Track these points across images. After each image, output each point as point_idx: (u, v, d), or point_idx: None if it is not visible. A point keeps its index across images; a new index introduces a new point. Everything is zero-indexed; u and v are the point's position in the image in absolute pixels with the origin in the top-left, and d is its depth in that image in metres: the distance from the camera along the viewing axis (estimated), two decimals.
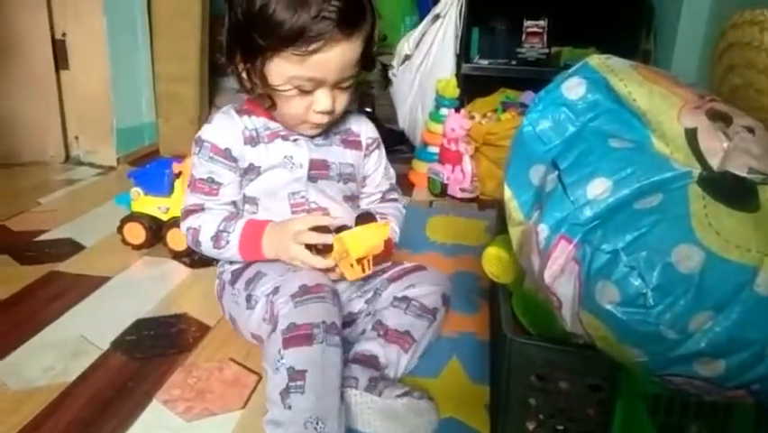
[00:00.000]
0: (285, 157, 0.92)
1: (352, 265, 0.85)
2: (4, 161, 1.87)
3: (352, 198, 1.00)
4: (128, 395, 0.85)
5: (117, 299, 1.13)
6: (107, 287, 1.17)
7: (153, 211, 1.31)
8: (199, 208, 0.92)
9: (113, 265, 1.24)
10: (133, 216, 1.32)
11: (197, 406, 0.83)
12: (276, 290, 0.80)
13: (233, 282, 0.94)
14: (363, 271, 0.86)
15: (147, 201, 1.31)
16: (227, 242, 0.89)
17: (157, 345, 0.97)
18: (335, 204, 0.96)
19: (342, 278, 0.89)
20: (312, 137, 0.94)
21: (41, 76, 1.85)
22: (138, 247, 1.32)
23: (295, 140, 0.93)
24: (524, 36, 2.25)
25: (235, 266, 0.95)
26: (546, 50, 2.23)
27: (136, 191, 1.32)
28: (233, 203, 0.94)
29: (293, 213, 0.93)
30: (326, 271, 0.88)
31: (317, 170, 0.94)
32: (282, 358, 0.73)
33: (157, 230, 1.31)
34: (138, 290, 1.16)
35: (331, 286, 0.81)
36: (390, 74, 2.16)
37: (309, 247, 0.87)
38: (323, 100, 0.85)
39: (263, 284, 0.87)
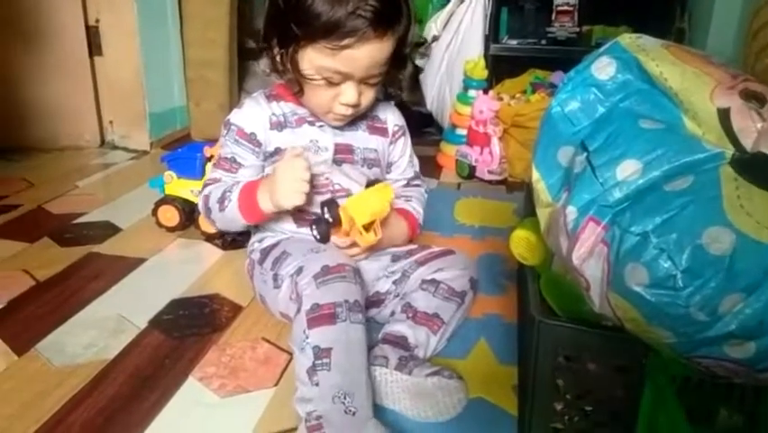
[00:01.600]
0: (311, 141, 0.94)
1: (361, 233, 0.86)
2: (42, 145, 1.92)
3: (375, 183, 1.01)
4: (165, 372, 0.88)
5: (153, 279, 1.16)
6: (143, 268, 1.20)
7: (186, 194, 1.34)
8: (216, 181, 0.96)
9: (148, 247, 1.28)
10: (167, 200, 1.35)
11: (231, 383, 0.86)
12: (299, 271, 0.82)
13: (261, 262, 0.96)
14: (377, 235, 0.87)
15: (180, 184, 1.34)
16: (229, 201, 0.92)
17: (192, 325, 1.00)
18: (358, 186, 0.98)
19: (357, 250, 0.92)
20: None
21: (76, 62, 1.89)
22: (172, 229, 1.35)
23: (321, 125, 0.95)
24: (554, 15, 2.20)
25: (264, 244, 0.97)
26: (577, 29, 2.18)
27: (169, 175, 1.35)
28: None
29: (316, 194, 0.94)
30: (347, 249, 0.91)
31: (342, 154, 0.96)
32: (307, 338, 0.75)
33: (190, 213, 1.34)
34: (172, 271, 1.19)
35: (353, 265, 0.82)
36: (421, 63, 2.14)
37: (319, 221, 0.89)
38: (348, 93, 0.87)
39: (288, 264, 0.89)
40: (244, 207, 0.91)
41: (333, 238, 0.91)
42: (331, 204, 0.89)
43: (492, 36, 2.11)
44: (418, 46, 0.95)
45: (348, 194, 0.96)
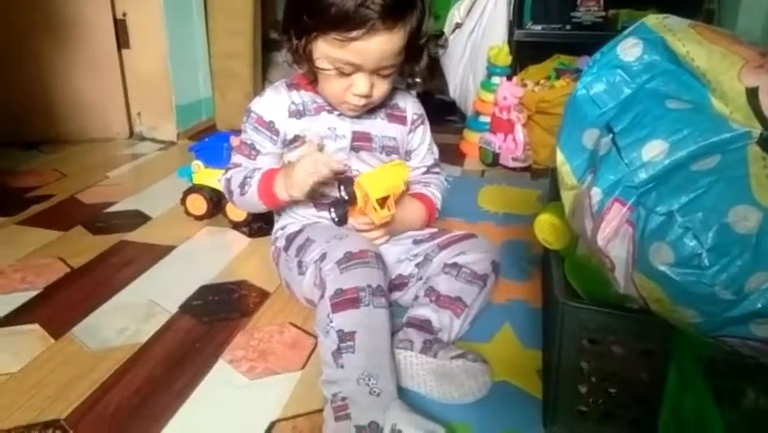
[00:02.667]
0: (329, 128, 0.96)
1: (375, 209, 0.87)
2: (72, 137, 1.97)
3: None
4: (196, 355, 0.90)
5: (182, 266, 1.19)
6: (173, 255, 1.23)
7: (213, 183, 1.36)
8: (236, 166, 0.99)
9: (177, 235, 1.31)
10: (195, 189, 1.37)
11: (260, 366, 0.88)
12: (323, 257, 0.84)
13: (286, 249, 0.98)
14: (390, 211, 0.88)
15: (207, 174, 1.37)
16: (249, 186, 0.96)
17: (221, 310, 1.03)
18: None
19: (377, 233, 0.94)
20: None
21: (105, 55, 1.93)
22: (200, 218, 1.38)
23: (339, 114, 0.97)
24: None
25: (288, 231, 1.00)
26: (603, 13, 2.15)
27: (197, 164, 1.37)
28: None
29: (335, 179, 0.96)
30: (367, 233, 0.93)
31: (360, 142, 0.97)
32: (332, 322, 0.77)
33: (217, 201, 1.36)
34: (201, 258, 1.22)
35: (375, 251, 0.84)
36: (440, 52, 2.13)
37: (337, 203, 0.91)
38: (360, 84, 0.88)
39: (312, 251, 0.91)
40: (263, 193, 0.95)
41: (351, 221, 0.93)
42: (346, 181, 0.90)
43: (516, 22, 2.09)
44: (436, 38, 0.96)
45: None
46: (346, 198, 0.91)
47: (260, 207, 0.99)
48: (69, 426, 0.76)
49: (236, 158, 1.00)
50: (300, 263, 0.93)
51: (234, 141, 1.33)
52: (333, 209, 0.93)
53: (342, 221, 0.93)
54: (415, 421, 0.70)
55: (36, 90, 1.90)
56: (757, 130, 0.53)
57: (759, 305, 0.49)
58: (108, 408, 0.79)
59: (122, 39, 1.93)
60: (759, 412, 0.65)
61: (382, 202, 0.89)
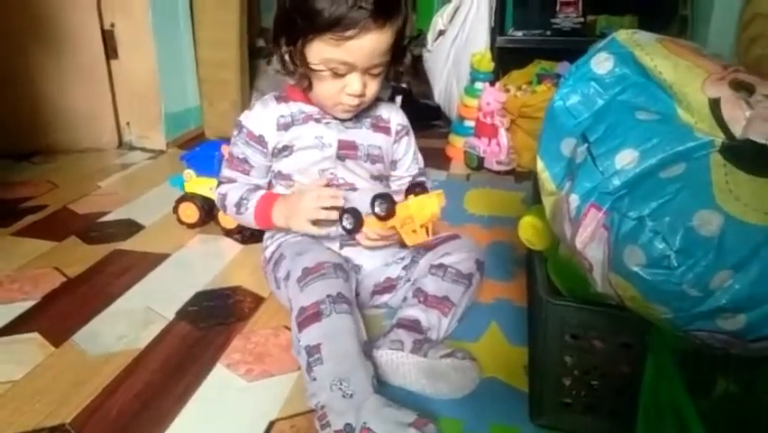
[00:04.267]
0: (316, 137, 1.00)
1: (414, 231, 0.91)
2: (63, 148, 1.98)
3: (380, 178, 1.06)
4: (194, 360, 0.93)
5: (177, 273, 1.22)
6: (167, 263, 1.26)
7: (205, 192, 1.39)
8: (231, 181, 1.03)
9: (170, 243, 1.33)
10: (187, 197, 1.40)
11: (257, 368, 0.91)
12: (287, 276, 0.89)
13: (267, 262, 1.03)
14: (427, 235, 0.92)
15: (199, 182, 1.39)
16: (246, 208, 1.00)
17: (217, 315, 1.06)
18: (362, 180, 1.02)
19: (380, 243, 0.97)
20: (343, 120, 1.01)
21: (93, 66, 1.94)
22: (192, 226, 1.40)
23: (327, 123, 1.00)
24: (558, 6, 2.23)
25: (269, 250, 1.04)
26: (581, 20, 2.21)
27: (189, 173, 1.40)
28: (257, 186, 1.04)
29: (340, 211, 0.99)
30: (370, 242, 0.96)
31: (345, 150, 1.01)
32: (300, 341, 0.81)
33: (209, 209, 1.39)
34: (195, 266, 1.25)
35: (333, 261, 0.87)
36: (424, 51, 2.18)
37: (353, 212, 0.95)
38: (353, 83, 0.92)
39: (282, 268, 0.95)
40: (260, 217, 1.00)
41: (366, 229, 0.96)
42: (386, 198, 0.93)
43: (498, 28, 2.14)
44: (415, 38, 1.01)
45: (352, 188, 1.01)
46: (349, 228, 0.95)
47: (256, 228, 1.04)
48: (74, 430, 0.79)
49: (230, 173, 1.03)
50: (276, 279, 0.98)
51: (225, 149, 1.35)
52: (345, 216, 0.96)
53: (354, 231, 0.96)
54: (384, 415, 0.72)
55: (25, 101, 1.92)
56: (719, 139, 0.57)
57: (723, 301, 0.53)
58: (111, 412, 0.82)
59: (110, 49, 1.95)
60: (729, 398, 0.69)
61: (421, 225, 0.93)
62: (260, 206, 0.99)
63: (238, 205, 1.01)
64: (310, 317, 0.81)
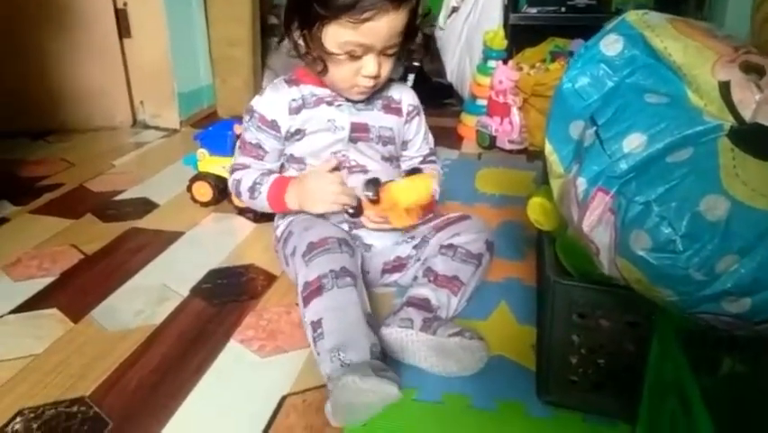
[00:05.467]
0: (328, 120, 1.01)
1: (400, 216, 0.92)
2: (77, 126, 2.00)
3: (390, 159, 1.07)
4: (209, 336, 0.96)
5: (191, 251, 1.24)
6: (182, 241, 1.28)
7: (218, 171, 1.41)
8: (245, 167, 1.04)
9: (185, 221, 1.36)
10: (200, 176, 1.42)
11: (270, 344, 0.93)
12: (293, 252, 0.91)
13: (278, 240, 1.05)
14: (412, 219, 0.93)
15: (212, 161, 1.41)
16: (259, 192, 1.01)
17: (230, 292, 1.08)
18: (374, 162, 1.03)
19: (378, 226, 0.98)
20: (355, 102, 1.01)
21: (107, 45, 1.95)
22: (206, 204, 1.42)
23: (338, 105, 1.01)
24: None
25: (279, 229, 1.05)
26: None
27: (202, 152, 1.41)
28: (271, 171, 1.04)
29: (335, 170, 1.01)
30: (359, 219, 0.98)
31: (358, 133, 1.02)
32: (305, 317, 0.84)
33: (223, 188, 1.40)
34: (209, 244, 1.27)
35: (338, 236, 0.89)
36: (437, 29, 2.17)
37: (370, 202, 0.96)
38: (369, 65, 0.92)
39: (290, 244, 0.96)
40: (273, 201, 1.01)
41: (367, 212, 0.97)
42: (375, 182, 0.95)
43: (512, 5, 2.12)
44: (425, 16, 1.01)
45: (363, 170, 1.02)
46: (374, 198, 0.95)
47: (269, 210, 1.04)
48: (94, 402, 0.81)
49: (244, 159, 1.04)
50: (285, 256, 1.00)
51: (238, 129, 1.37)
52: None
53: (357, 214, 0.98)
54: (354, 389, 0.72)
55: (40, 81, 1.94)
56: (728, 123, 0.57)
57: (729, 285, 0.54)
58: (129, 385, 0.85)
59: (123, 28, 1.96)
60: (735, 377, 0.70)
61: (408, 209, 0.94)
62: (274, 189, 1.00)
63: (252, 189, 1.02)
64: (313, 292, 0.83)
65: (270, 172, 1.04)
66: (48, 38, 1.90)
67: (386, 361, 0.82)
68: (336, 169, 0.99)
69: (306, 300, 0.84)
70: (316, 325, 0.82)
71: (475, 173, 1.63)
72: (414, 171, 1.06)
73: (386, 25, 0.88)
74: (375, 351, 0.80)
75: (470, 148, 1.88)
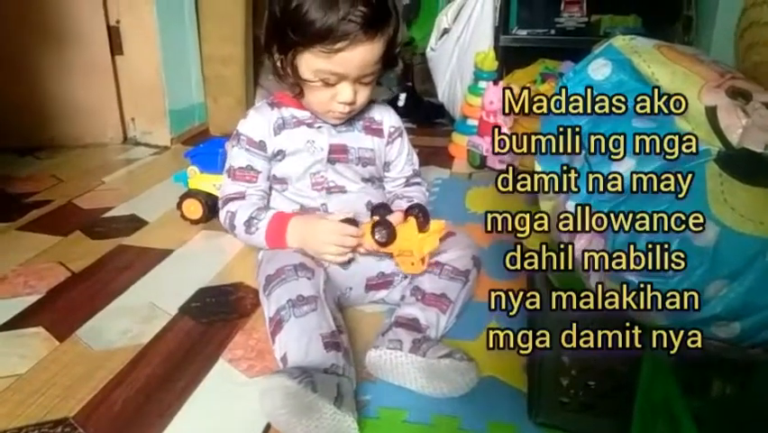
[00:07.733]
0: (307, 141, 1.02)
1: (412, 264, 0.95)
2: (67, 143, 1.99)
3: (371, 180, 1.07)
4: (196, 355, 0.94)
5: (180, 269, 1.23)
6: (170, 259, 1.27)
7: (209, 188, 1.40)
8: (239, 196, 1.03)
9: (174, 239, 1.35)
10: (191, 193, 1.41)
11: (258, 364, 0.92)
12: (259, 287, 0.92)
13: (258, 266, 1.03)
14: (424, 266, 0.95)
15: (203, 179, 1.41)
16: (257, 228, 1.00)
17: (219, 311, 1.07)
18: (353, 183, 1.04)
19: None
20: (335, 125, 1.02)
21: (99, 62, 1.95)
22: (196, 222, 1.41)
23: (318, 127, 1.02)
24: (562, 5, 2.23)
25: (259, 255, 1.04)
26: (585, 19, 2.21)
27: (193, 170, 1.41)
28: (265, 191, 1.05)
29: (313, 190, 1.03)
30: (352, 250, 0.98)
31: (336, 154, 1.03)
32: (275, 353, 0.85)
33: (213, 206, 1.39)
34: (198, 262, 1.26)
35: (294, 263, 0.89)
36: (428, 50, 2.19)
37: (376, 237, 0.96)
38: (345, 92, 0.94)
39: (260, 275, 0.96)
40: (272, 236, 0.99)
41: (368, 245, 0.97)
42: (386, 225, 0.94)
43: (502, 27, 2.14)
44: (406, 45, 1.02)
45: (341, 191, 1.03)
46: (382, 241, 0.95)
47: (264, 248, 1.02)
48: (78, 424, 0.80)
49: (236, 186, 1.03)
50: (260, 283, 0.99)
51: (229, 147, 1.37)
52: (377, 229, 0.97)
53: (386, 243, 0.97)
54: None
55: (30, 97, 1.93)
56: (715, 148, 0.58)
57: (718, 309, 0.55)
58: (114, 406, 0.83)
59: (115, 45, 1.96)
60: (726, 399, 0.70)
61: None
62: (273, 225, 0.99)
63: (248, 224, 1.00)
64: (275, 327, 0.85)
65: (265, 203, 1.03)
66: (40, 54, 1.90)
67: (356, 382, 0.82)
68: (351, 221, 0.97)
69: (273, 336, 0.86)
70: (284, 360, 0.83)
71: (465, 192, 1.64)
72: (415, 207, 1.01)
73: (359, 56, 0.89)
74: (331, 371, 0.79)
75: (460, 167, 1.89)
